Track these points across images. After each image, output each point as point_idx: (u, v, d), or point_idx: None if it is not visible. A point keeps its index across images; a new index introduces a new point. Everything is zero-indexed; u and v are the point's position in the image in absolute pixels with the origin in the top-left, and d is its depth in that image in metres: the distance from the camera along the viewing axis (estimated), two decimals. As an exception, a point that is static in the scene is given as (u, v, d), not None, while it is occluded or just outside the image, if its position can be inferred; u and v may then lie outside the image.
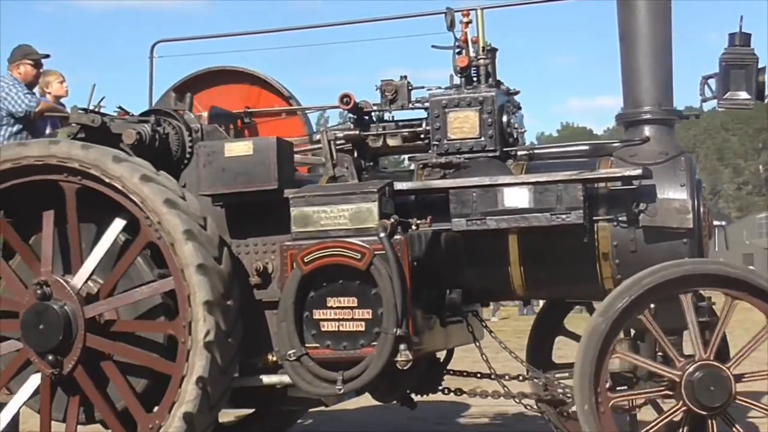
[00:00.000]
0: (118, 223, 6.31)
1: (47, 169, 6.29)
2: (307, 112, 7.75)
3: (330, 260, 5.91)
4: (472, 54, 6.68)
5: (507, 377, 6.86)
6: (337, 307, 5.95)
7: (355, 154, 6.83)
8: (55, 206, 6.39)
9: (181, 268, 6.05)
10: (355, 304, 5.93)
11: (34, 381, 6.43)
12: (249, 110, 7.56)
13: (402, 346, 5.83)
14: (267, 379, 6.42)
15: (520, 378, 6.99)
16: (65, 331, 6.22)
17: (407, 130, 6.80)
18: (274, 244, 6.55)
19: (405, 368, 5.87)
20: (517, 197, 6.13)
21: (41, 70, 8.05)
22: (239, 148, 6.42)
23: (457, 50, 6.68)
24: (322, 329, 5.96)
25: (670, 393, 5.82)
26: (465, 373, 7.09)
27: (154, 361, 6.31)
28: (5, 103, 7.68)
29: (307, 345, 5.98)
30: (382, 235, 5.85)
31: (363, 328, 5.91)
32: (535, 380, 7.14)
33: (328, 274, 5.96)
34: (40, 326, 6.25)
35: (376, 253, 5.83)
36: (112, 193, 6.21)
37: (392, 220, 5.94)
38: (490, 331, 6.97)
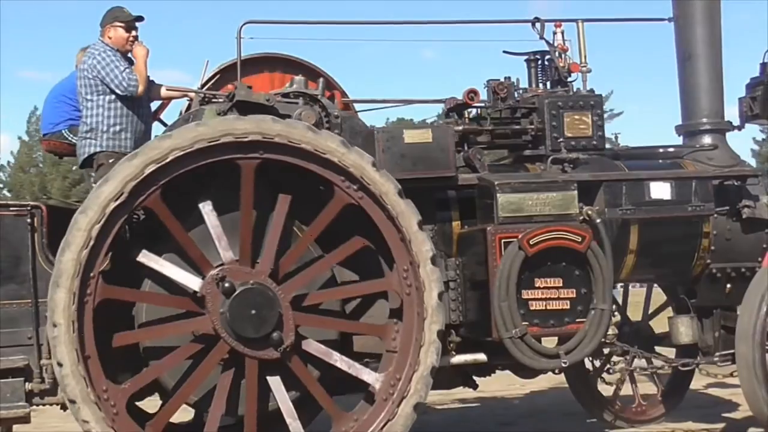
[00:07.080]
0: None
1: (285, 150, 5.98)
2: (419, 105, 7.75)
3: (555, 243, 6.38)
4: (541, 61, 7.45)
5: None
6: (544, 288, 6.43)
7: (466, 147, 7.18)
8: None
9: (418, 264, 6.10)
10: (561, 284, 6.44)
11: None
12: (346, 99, 7.48)
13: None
14: (455, 359, 6.61)
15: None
16: (276, 326, 5.99)
17: (516, 127, 7.28)
18: None
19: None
20: (661, 190, 6.97)
21: (135, 35, 6.99)
22: (419, 135, 6.58)
23: (558, 55, 7.35)
24: (531, 308, 6.39)
25: None
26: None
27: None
28: (97, 70, 6.69)
29: (517, 323, 6.37)
30: (598, 220, 6.44)
31: (568, 306, 6.45)
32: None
33: (536, 257, 6.39)
34: (252, 311, 5.92)
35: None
36: (364, 199, 6.12)
37: (593, 207, 6.54)
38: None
